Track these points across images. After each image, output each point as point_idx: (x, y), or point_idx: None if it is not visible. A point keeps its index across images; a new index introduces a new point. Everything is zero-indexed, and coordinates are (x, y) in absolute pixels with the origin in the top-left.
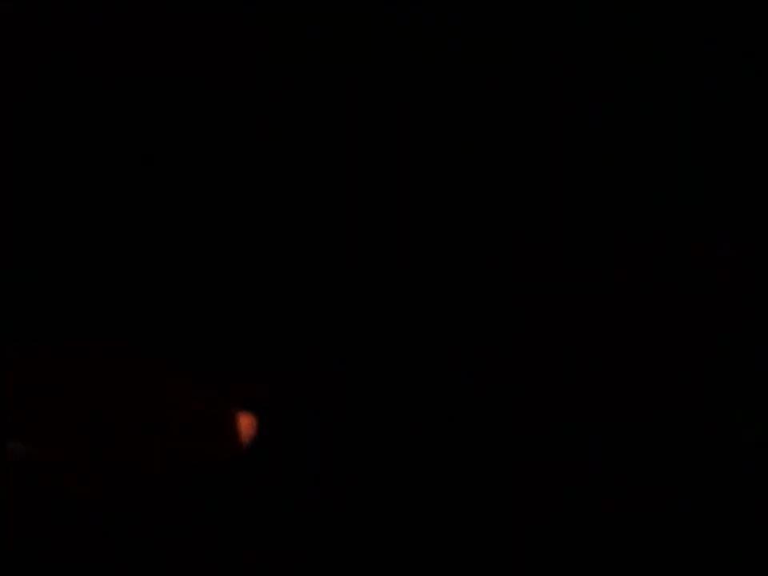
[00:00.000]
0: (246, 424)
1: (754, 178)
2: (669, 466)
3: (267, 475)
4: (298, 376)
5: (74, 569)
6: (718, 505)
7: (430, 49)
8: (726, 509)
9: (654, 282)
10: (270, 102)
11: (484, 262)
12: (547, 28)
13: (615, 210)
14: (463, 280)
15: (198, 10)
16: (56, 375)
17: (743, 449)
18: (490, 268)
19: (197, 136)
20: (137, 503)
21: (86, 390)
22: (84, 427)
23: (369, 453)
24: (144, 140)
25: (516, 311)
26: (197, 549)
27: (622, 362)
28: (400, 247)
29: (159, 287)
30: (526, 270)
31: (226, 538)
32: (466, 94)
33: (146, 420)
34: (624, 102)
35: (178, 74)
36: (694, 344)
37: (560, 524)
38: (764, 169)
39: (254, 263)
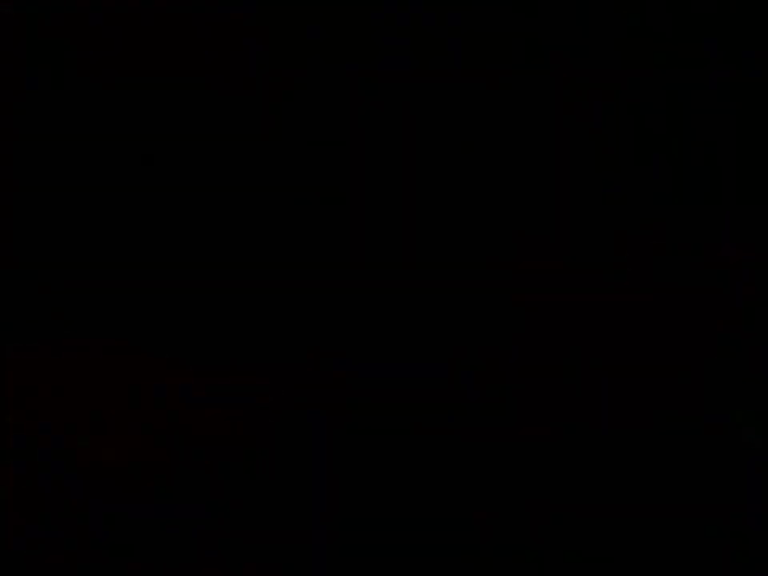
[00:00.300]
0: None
1: (753, 178)
2: (669, 465)
3: (268, 475)
4: (298, 376)
5: (74, 569)
6: (718, 505)
7: (429, 49)
8: (726, 509)
9: (654, 282)
10: (270, 102)
11: (484, 262)
12: (547, 28)
13: (615, 210)
14: (463, 280)
15: (198, 10)
16: (57, 375)
17: (743, 449)
18: (490, 268)
19: (197, 136)
20: (136, 502)
21: (87, 389)
22: (85, 425)
23: (369, 453)
24: (144, 140)
25: (516, 311)
26: (196, 549)
27: (621, 362)
28: (400, 247)
29: (159, 287)
30: (526, 270)
31: (225, 539)
32: (465, 94)
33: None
34: (624, 102)
35: (177, 74)
36: (694, 344)
37: (560, 524)
38: (764, 169)
39: (253, 263)
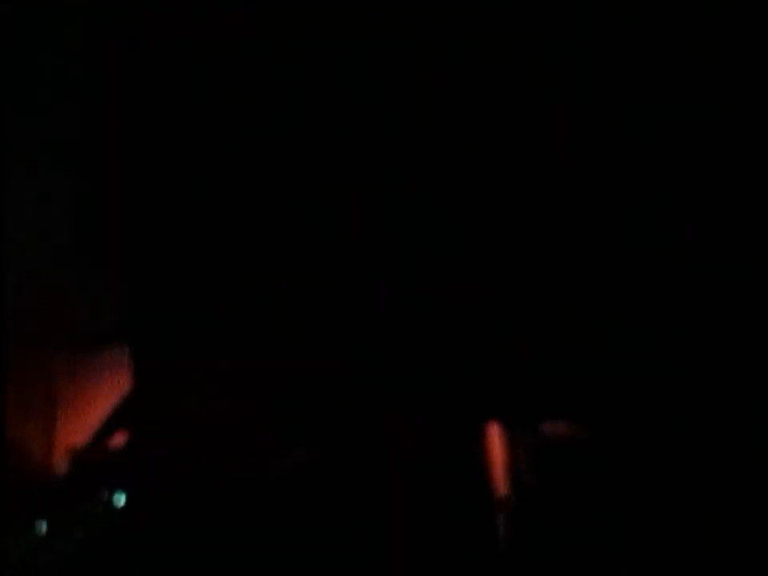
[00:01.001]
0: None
1: (752, 179)
2: (669, 465)
3: (268, 474)
4: (300, 376)
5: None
6: (718, 505)
7: (429, 49)
8: (726, 509)
9: (654, 282)
10: (270, 101)
11: (484, 262)
12: (547, 28)
13: (615, 210)
14: (463, 280)
15: (198, 10)
16: (57, 374)
17: (743, 448)
18: (489, 268)
19: (197, 136)
20: (137, 500)
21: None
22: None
23: (368, 454)
24: (144, 140)
25: (515, 311)
26: (196, 548)
27: (622, 362)
28: (400, 247)
29: (159, 287)
30: (526, 269)
31: (225, 539)
32: (466, 94)
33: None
34: (624, 101)
35: (177, 73)
36: (694, 344)
37: (559, 524)
38: (764, 168)
39: (254, 263)
